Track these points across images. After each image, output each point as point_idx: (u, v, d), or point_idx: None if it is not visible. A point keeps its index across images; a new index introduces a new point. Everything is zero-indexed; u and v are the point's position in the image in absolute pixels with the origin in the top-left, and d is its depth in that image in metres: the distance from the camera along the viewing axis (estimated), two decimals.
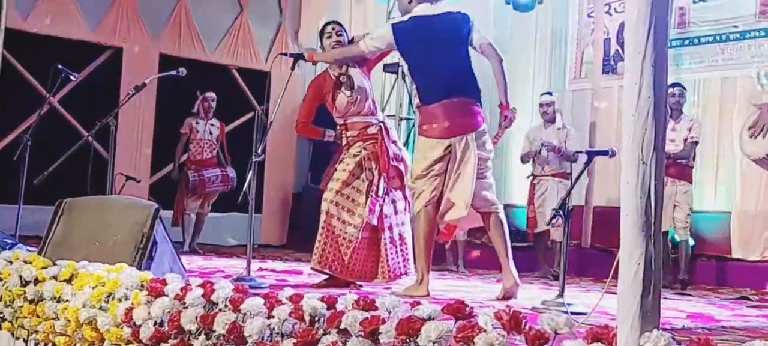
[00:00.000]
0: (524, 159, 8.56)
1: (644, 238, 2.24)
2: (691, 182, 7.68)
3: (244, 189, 5.36)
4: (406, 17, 5.44)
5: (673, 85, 7.68)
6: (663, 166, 2.27)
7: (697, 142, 7.67)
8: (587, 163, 5.25)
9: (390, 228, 5.74)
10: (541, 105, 8.52)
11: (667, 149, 7.24)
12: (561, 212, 4.87)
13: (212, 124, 9.32)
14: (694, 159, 7.74)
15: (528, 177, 8.56)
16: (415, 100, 5.43)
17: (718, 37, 8.88)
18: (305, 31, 11.54)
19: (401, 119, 10.92)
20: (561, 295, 4.75)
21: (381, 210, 5.68)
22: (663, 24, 2.23)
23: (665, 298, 6.27)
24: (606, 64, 9.69)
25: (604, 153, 5.24)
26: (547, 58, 10.51)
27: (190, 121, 9.25)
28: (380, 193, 5.66)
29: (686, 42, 9.10)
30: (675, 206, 7.55)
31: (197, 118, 9.26)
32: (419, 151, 5.37)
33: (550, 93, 8.69)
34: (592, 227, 8.83)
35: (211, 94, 9.30)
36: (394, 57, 10.73)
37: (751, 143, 6.47)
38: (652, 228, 2.26)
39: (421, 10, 5.37)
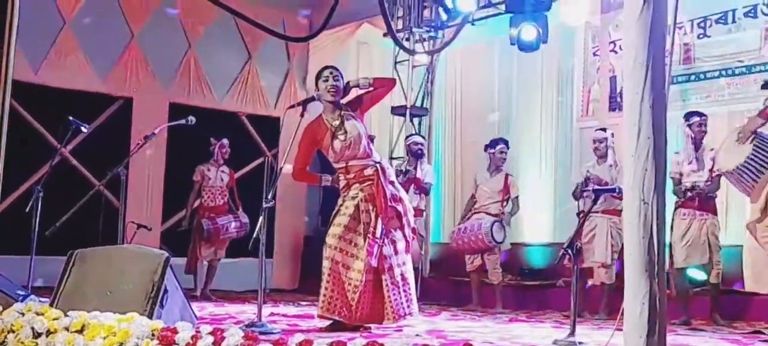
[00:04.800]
0: (576, 195, 8.39)
1: (648, 277, 2.25)
2: (715, 214, 7.43)
3: (255, 234, 5.37)
4: None
5: (694, 114, 7.46)
6: (664, 206, 2.29)
7: (722, 175, 7.25)
8: (594, 200, 5.28)
9: (390, 269, 5.72)
10: (593, 141, 8.36)
11: (692, 181, 7.24)
12: (570, 250, 4.89)
13: (223, 172, 9.43)
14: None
15: (578, 214, 8.39)
16: None
17: (723, 72, 8.90)
18: (313, 77, 11.61)
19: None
20: (572, 333, 4.75)
21: (380, 251, 5.69)
22: (660, 66, 2.25)
23: (677, 334, 6.25)
24: (612, 102, 9.72)
25: (612, 191, 5.27)
26: (554, 96, 10.54)
27: (202, 168, 9.35)
28: (378, 234, 5.67)
29: (692, 77, 9.14)
30: (708, 242, 7.31)
31: (208, 165, 9.35)
32: None
33: (603, 129, 8.51)
34: None
35: (226, 141, 9.43)
36: (401, 99, 10.88)
37: (725, 155, 6.36)
38: (656, 267, 2.28)
39: None
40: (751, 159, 4.97)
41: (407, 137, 9.57)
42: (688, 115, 7.50)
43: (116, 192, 7.57)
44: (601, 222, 7.96)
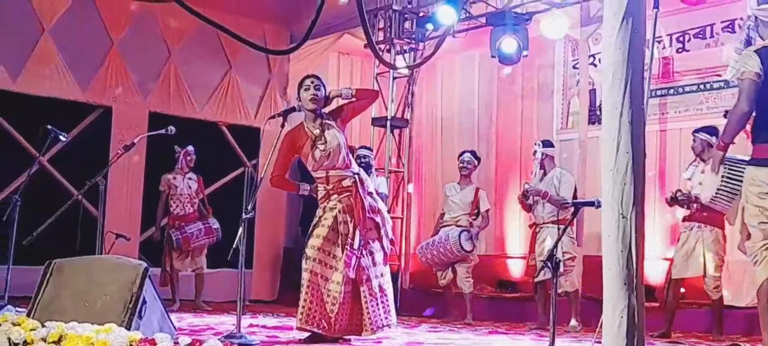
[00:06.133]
0: (524, 208, 8.48)
1: (627, 291, 2.26)
2: (722, 229, 7.25)
3: (234, 245, 5.35)
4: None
5: (700, 130, 7.43)
6: (643, 220, 2.31)
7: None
8: (574, 214, 5.32)
9: (368, 280, 5.72)
10: (534, 153, 8.42)
11: (695, 194, 7.23)
12: (549, 264, 4.91)
13: (190, 179, 9.38)
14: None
15: (531, 226, 8.45)
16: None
17: (702, 86, 8.97)
18: (294, 87, 11.59)
19: (390, 172, 10.94)
20: None
21: (358, 263, 5.69)
22: (639, 81, 2.27)
23: None
24: (592, 115, 9.77)
25: (591, 204, 5.26)
26: (534, 109, 10.59)
27: (168, 177, 9.30)
28: (356, 246, 5.67)
29: (671, 91, 9.20)
30: (704, 255, 7.22)
31: (174, 174, 9.31)
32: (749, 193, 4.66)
33: (541, 142, 8.55)
34: (583, 276, 8.83)
35: (192, 148, 9.38)
36: (382, 110, 10.89)
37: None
38: (635, 281, 2.29)
39: None
40: (723, 185, 5.07)
41: (354, 151, 9.46)
42: (695, 131, 7.48)
43: (95, 202, 7.54)
44: (553, 232, 7.96)
